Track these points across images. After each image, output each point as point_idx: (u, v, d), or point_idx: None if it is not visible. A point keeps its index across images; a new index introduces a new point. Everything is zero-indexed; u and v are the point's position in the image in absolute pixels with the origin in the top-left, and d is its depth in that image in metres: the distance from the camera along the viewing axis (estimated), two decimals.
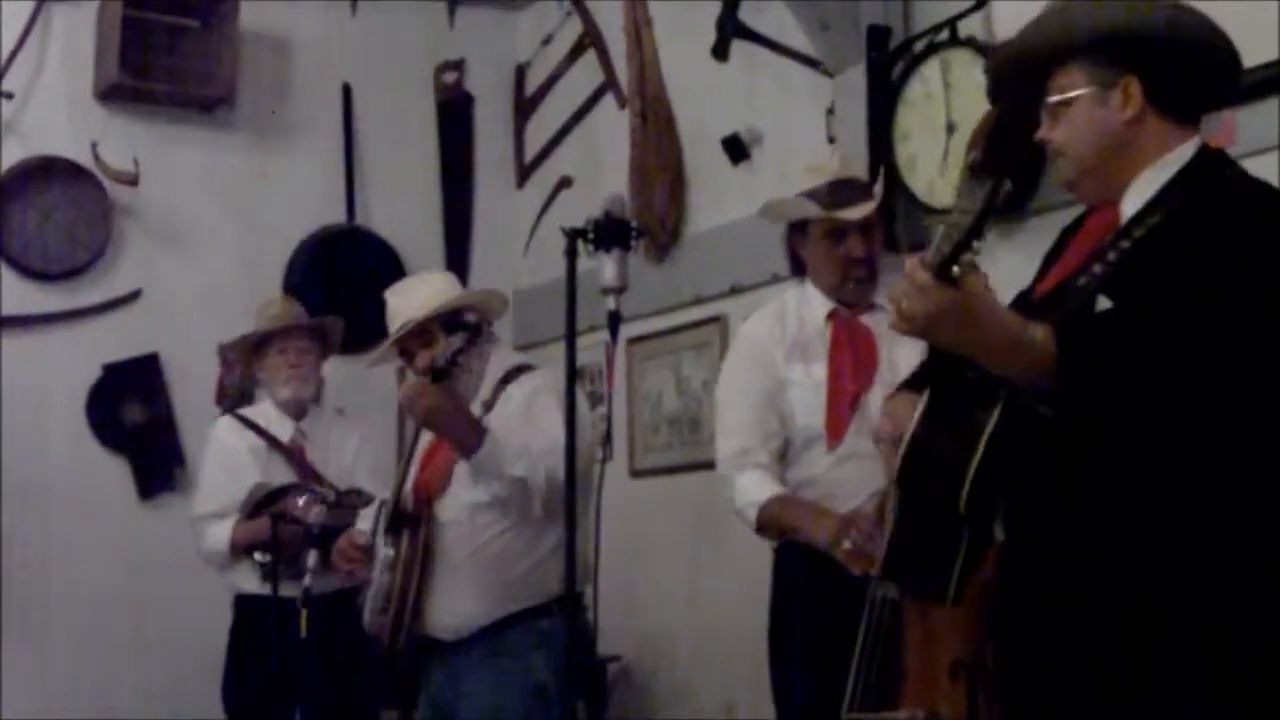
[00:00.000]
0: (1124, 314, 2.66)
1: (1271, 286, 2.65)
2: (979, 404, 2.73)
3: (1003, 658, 2.88)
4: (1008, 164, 3.25)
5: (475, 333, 4.37)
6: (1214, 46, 2.94)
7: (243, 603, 5.77)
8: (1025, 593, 2.79)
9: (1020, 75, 3.01)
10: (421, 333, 4.61)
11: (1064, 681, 2.72)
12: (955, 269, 2.49)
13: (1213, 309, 2.62)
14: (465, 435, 4.37)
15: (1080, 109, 2.91)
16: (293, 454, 5.83)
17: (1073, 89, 2.91)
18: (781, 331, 4.43)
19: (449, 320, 4.54)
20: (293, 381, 5.84)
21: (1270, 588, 2.65)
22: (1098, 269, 2.75)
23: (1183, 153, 2.90)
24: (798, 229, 4.45)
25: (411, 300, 4.66)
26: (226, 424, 5.97)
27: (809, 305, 4.44)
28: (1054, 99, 2.93)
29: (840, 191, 4.36)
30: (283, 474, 5.78)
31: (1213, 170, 2.89)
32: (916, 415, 2.91)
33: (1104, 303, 2.70)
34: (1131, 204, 2.88)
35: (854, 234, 4.36)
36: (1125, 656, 2.66)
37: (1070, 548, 2.72)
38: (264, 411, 5.94)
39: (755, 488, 4.31)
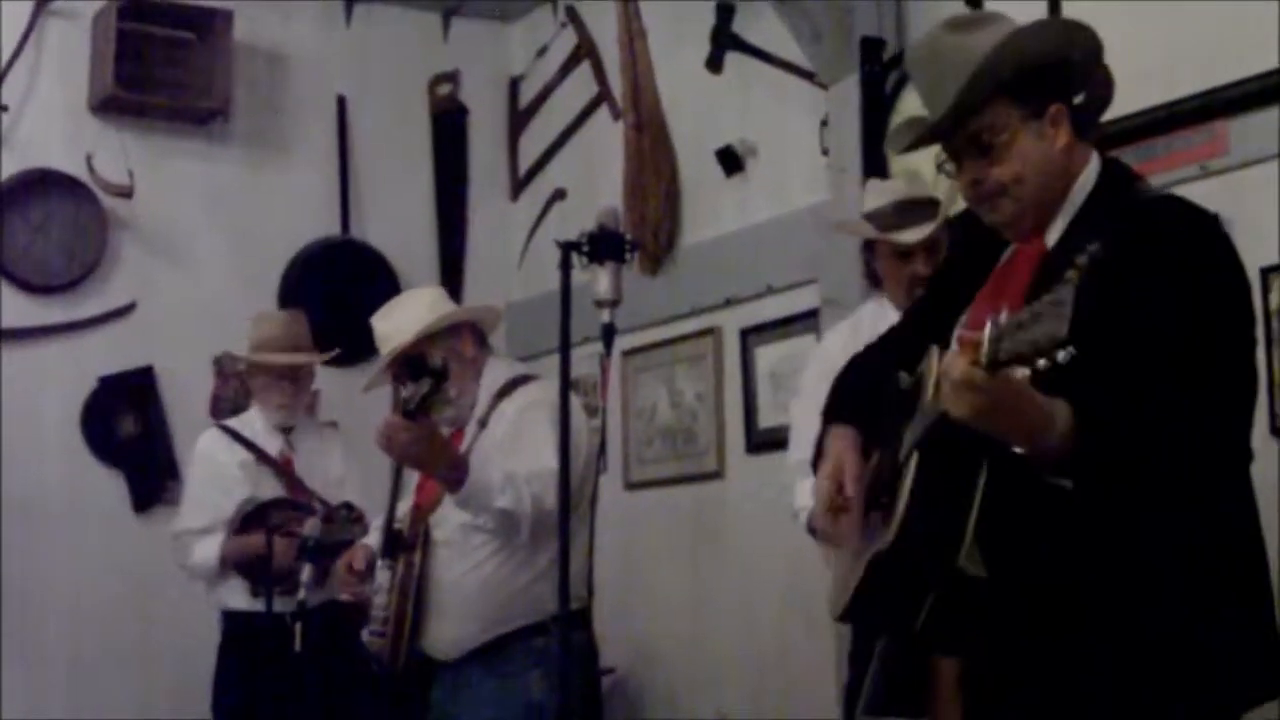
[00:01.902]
0: (1111, 377, 2.65)
1: (1227, 315, 2.71)
2: (967, 464, 2.73)
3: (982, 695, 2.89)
4: None
5: (441, 377, 4.33)
6: (1095, 57, 2.96)
7: (230, 619, 5.70)
8: (1018, 627, 2.79)
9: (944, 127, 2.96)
10: (405, 362, 4.59)
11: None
12: (1021, 370, 2.47)
13: (1184, 362, 2.65)
14: (445, 473, 4.32)
15: (1022, 143, 2.87)
16: (281, 467, 5.75)
17: (1007, 125, 2.87)
18: (855, 345, 4.46)
19: (413, 364, 4.50)
20: (286, 408, 5.76)
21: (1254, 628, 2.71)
22: None
23: (1091, 172, 2.91)
24: (870, 245, 4.54)
25: (395, 323, 4.62)
26: (213, 436, 5.87)
27: (885, 319, 4.46)
28: (992, 137, 2.87)
29: (904, 213, 4.44)
30: (271, 488, 5.70)
31: (1124, 187, 2.89)
32: (908, 485, 2.89)
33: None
34: (1056, 230, 2.89)
35: (920, 254, 4.42)
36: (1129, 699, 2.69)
37: (1066, 585, 2.74)
38: (251, 422, 5.84)
39: (811, 493, 4.36)
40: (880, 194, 4.56)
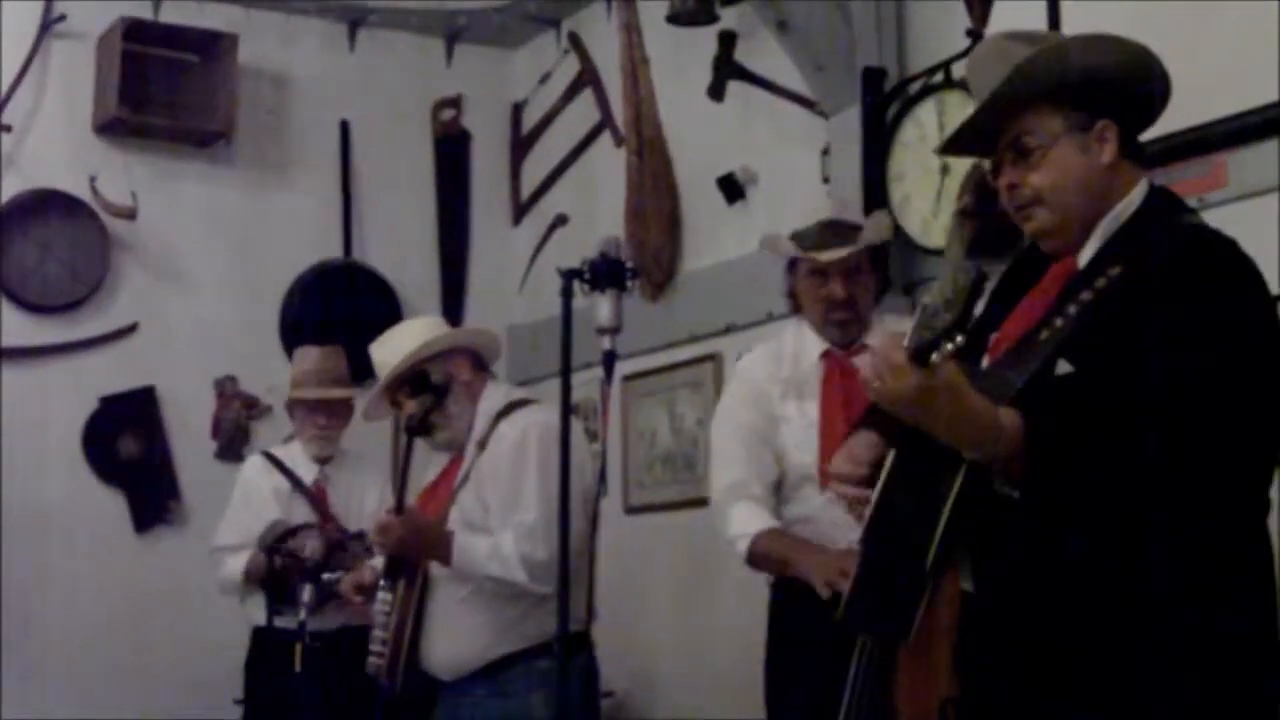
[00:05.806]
0: (1088, 394, 2.63)
1: (1234, 355, 2.64)
2: (944, 467, 2.71)
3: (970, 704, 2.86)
4: (996, 211, 3.21)
5: (441, 394, 4.43)
6: (1164, 85, 2.93)
7: (257, 635, 5.87)
8: (996, 643, 2.75)
9: (983, 124, 2.93)
10: (404, 382, 4.66)
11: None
12: (934, 357, 2.48)
13: (1179, 389, 2.60)
14: (438, 555, 4.51)
15: (1063, 153, 2.83)
16: (314, 496, 5.95)
17: (1051, 132, 2.84)
18: (777, 369, 4.44)
19: (414, 382, 4.60)
20: (318, 441, 5.99)
21: (1241, 652, 2.67)
22: (1059, 323, 2.69)
23: (1135, 196, 2.87)
24: (792, 266, 4.46)
25: (391, 349, 4.71)
26: (255, 462, 6.10)
27: (804, 343, 4.45)
28: (1032, 141, 2.85)
29: (826, 233, 4.36)
30: (303, 515, 5.89)
31: (1166, 215, 2.85)
32: (884, 475, 2.91)
33: (1065, 365, 2.69)
34: (1088, 251, 2.84)
35: (836, 276, 4.34)
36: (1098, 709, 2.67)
37: (1043, 605, 2.71)
38: (293, 452, 6.06)
39: (747, 520, 4.30)
40: (808, 214, 4.48)
